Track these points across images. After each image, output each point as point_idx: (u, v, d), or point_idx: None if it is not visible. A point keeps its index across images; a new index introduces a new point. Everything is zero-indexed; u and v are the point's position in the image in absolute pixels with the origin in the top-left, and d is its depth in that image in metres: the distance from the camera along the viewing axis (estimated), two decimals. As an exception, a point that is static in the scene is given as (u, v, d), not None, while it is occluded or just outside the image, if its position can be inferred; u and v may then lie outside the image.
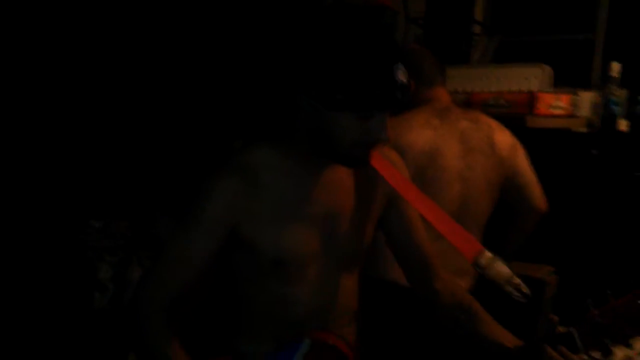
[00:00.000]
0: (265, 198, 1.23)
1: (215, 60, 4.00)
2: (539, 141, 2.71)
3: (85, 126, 3.55)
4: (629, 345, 1.06)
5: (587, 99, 2.85)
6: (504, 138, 2.09)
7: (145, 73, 3.90)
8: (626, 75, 2.71)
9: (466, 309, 1.37)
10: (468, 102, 2.90)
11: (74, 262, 2.99)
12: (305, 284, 1.29)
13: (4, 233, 3.11)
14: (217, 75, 4.25)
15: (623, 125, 2.62)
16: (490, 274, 1.26)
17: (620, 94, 2.65)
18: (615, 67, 2.64)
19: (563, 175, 2.67)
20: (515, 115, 2.65)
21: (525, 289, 1.26)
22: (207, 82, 3.03)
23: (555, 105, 2.71)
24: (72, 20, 3.57)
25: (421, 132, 2.00)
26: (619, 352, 1.09)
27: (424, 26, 3.89)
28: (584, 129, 2.74)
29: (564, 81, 3.06)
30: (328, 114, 1.16)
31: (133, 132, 3.77)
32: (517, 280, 1.26)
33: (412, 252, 1.42)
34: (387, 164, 1.34)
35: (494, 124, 2.12)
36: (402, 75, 1.13)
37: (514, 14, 3.76)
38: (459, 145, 2.02)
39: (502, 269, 1.26)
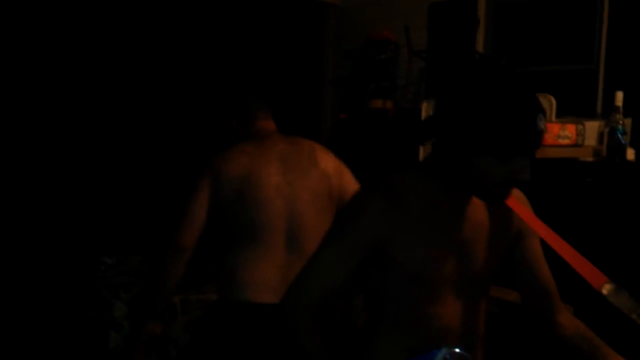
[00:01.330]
0: (408, 218, 1.34)
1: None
2: (546, 171, 2.76)
3: (97, 163, 3.58)
4: None
5: (592, 128, 2.89)
6: (327, 157, 2.31)
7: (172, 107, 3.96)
8: (630, 103, 2.76)
9: (589, 340, 1.48)
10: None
11: (89, 300, 3.00)
12: (440, 303, 1.39)
13: (20, 272, 3.12)
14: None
15: (630, 154, 2.66)
16: (616, 302, 1.33)
17: (625, 122, 2.69)
18: (619, 96, 2.69)
19: (569, 205, 2.70)
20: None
21: None
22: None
23: (562, 135, 2.76)
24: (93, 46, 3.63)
25: (235, 160, 2.21)
26: None
27: (426, 58, 3.95)
28: (590, 158, 2.78)
29: (566, 111, 3.11)
30: (476, 161, 1.28)
31: (144, 167, 3.81)
32: None
33: (537, 286, 1.53)
34: (515, 200, 1.44)
35: (317, 145, 2.34)
36: (541, 124, 1.27)
37: (515, 45, 3.83)
38: (276, 164, 2.22)
39: (626, 298, 1.34)
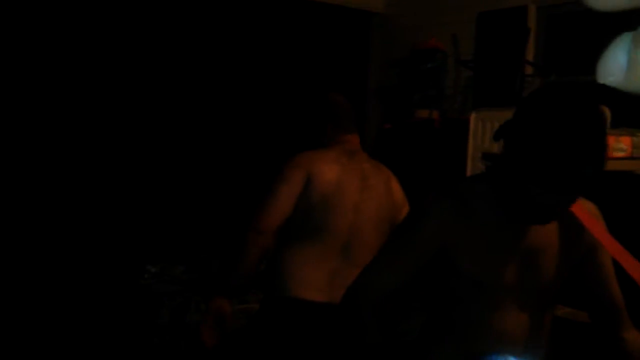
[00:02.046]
0: (473, 223, 1.37)
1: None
2: (601, 185, 2.67)
3: (146, 172, 3.61)
4: None
5: (649, 140, 2.80)
6: (398, 189, 2.50)
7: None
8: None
9: None
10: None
11: (134, 307, 3.02)
12: (501, 311, 1.41)
13: (66, 279, 3.16)
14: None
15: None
16: None
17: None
18: (678, 108, 2.59)
19: (627, 220, 2.61)
20: (577, 159, 2.61)
21: None
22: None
23: (617, 147, 2.68)
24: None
25: (331, 165, 2.36)
26: None
27: (474, 68, 3.88)
28: (647, 172, 2.69)
29: (621, 122, 3.02)
30: (523, 181, 1.29)
31: (192, 176, 3.83)
32: None
33: (606, 301, 1.54)
34: (588, 215, 1.46)
35: (392, 176, 2.52)
36: (589, 170, 1.25)
37: (567, 54, 3.74)
38: (358, 181, 2.38)
39: None
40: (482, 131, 3.39)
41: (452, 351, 1.45)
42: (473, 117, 3.41)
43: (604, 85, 3.44)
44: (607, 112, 2.89)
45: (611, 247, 1.45)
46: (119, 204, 3.55)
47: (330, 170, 2.34)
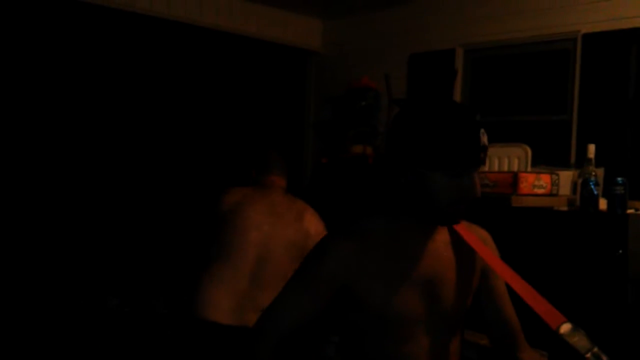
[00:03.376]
0: (374, 259, 1.39)
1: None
2: (522, 219, 2.83)
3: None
4: None
5: (566, 177, 2.98)
6: (315, 220, 2.60)
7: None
8: (602, 154, 2.85)
9: None
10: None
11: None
12: (409, 343, 1.42)
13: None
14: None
15: (603, 204, 2.74)
16: (572, 342, 1.36)
17: (598, 172, 2.78)
18: (591, 149, 2.77)
19: (547, 253, 2.76)
20: (500, 195, 2.76)
21: (605, 357, 1.36)
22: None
23: (537, 184, 2.83)
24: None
25: (233, 193, 2.57)
26: None
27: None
28: (565, 208, 2.86)
29: (541, 160, 3.20)
30: (428, 178, 1.35)
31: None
32: (597, 349, 1.36)
33: (501, 323, 1.57)
34: (478, 241, 1.49)
35: (310, 209, 2.63)
36: (484, 138, 1.34)
37: (492, 96, 3.94)
38: (265, 206, 2.53)
39: (582, 338, 1.37)
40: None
41: None
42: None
43: (525, 125, 3.64)
44: (528, 150, 3.08)
45: (502, 271, 1.47)
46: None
47: (232, 196, 2.55)
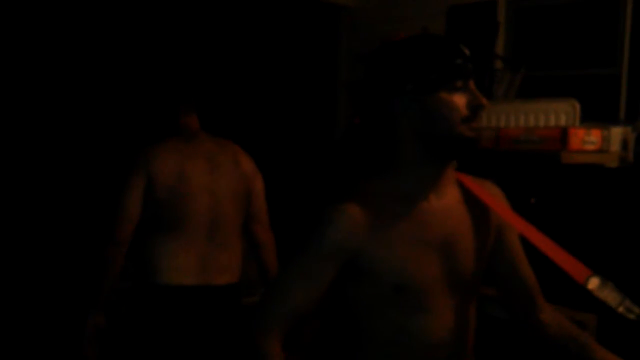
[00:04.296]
0: (383, 225, 1.27)
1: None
2: (571, 177, 2.70)
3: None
4: None
5: (617, 133, 2.83)
6: (248, 160, 2.57)
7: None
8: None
9: (575, 337, 1.42)
10: (496, 138, 2.88)
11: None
12: (426, 313, 1.31)
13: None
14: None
15: (657, 160, 2.60)
16: (602, 296, 1.29)
17: (652, 128, 2.63)
18: (646, 102, 2.63)
19: (597, 213, 2.64)
20: (548, 151, 2.63)
21: (637, 309, 1.29)
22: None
23: (588, 140, 2.69)
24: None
25: (167, 158, 2.41)
26: None
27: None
28: (615, 164, 2.72)
29: (589, 116, 3.05)
30: (427, 100, 1.27)
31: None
32: (628, 302, 1.30)
33: (517, 284, 1.47)
34: (490, 196, 1.40)
35: (238, 148, 2.58)
36: (467, 50, 1.30)
37: (536, 49, 3.76)
38: (204, 163, 2.45)
39: (612, 291, 1.30)
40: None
41: None
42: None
43: (572, 79, 3.48)
44: (577, 106, 2.92)
45: (521, 227, 1.37)
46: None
47: (168, 162, 2.40)
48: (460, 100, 1.26)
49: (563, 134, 2.62)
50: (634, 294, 2.41)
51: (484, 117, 3.15)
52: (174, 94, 2.54)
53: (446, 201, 1.35)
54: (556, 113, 2.97)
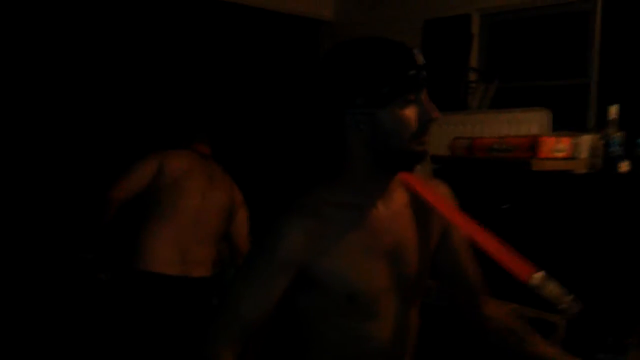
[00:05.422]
0: (332, 234, 1.26)
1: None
2: (541, 184, 2.78)
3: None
4: None
5: (586, 141, 2.91)
6: (239, 193, 2.98)
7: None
8: (623, 117, 2.78)
9: (516, 331, 1.46)
10: (470, 147, 2.97)
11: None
12: (375, 319, 1.31)
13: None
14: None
15: (624, 166, 2.68)
16: (544, 293, 1.29)
17: (620, 135, 2.71)
18: (614, 110, 2.71)
19: (567, 217, 2.72)
20: (520, 159, 2.71)
21: (579, 305, 1.29)
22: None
23: (557, 148, 2.77)
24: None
25: (180, 157, 2.85)
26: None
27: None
28: (584, 170, 2.80)
29: (561, 125, 3.14)
30: (379, 114, 1.23)
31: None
32: (570, 298, 1.29)
33: (461, 281, 1.49)
34: (438, 196, 1.40)
35: (234, 183, 2.99)
36: (420, 57, 1.25)
37: (509, 61, 3.87)
38: (207, 176, 2.86)
39: (556, 288, 1.30)
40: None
41: None
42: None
43: (544, 89, 3.57)
44: (548, 115, 3.02)
45: (466, 226, 1.36)
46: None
47: (181, 160, 2.83)
48: (411, 113, 1.23)
49: (533, 142, 2.71)
50: (599, 294, 2.49)
51: (459, 127, 3.24)
52: (189, 123, 3.05)
53: (393, 207, 1.34)
54: (529, 122, 3.07)
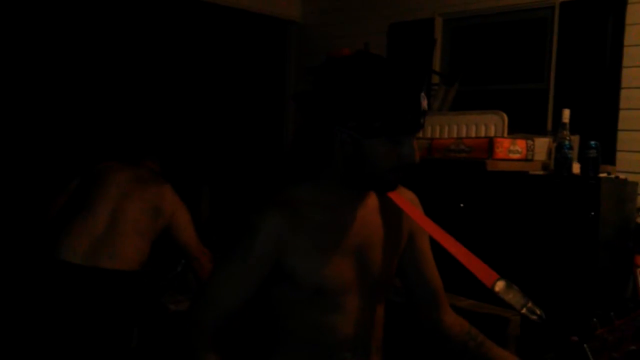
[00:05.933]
0: (305, 230, 1.33)
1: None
2: (497, 184, 2.87)
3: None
4: None
5: (542, 144, 3.01)
6: (174, 194, 2.83)
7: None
8: (577, 121, 2.88)
9: (474, 337, 1.53)
10: (429, 148, 3.04)
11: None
12: (343, 313, 1.39)
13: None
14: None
15: (576, 168, 2.77)
16: (507, 299, 1.36)
17: (573, 139, 2.81)
18: (566, 113, 2.81)
19: (521, 216, 2.80)
20: (476, 159, 2.79)
21: (539, 311, 1.35)
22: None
23: (513, 149, 2.86)
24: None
25: (108, 163, 2.88)
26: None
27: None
28: (539, 172, 2.90)
29: (518, 128, 3.23)
30: (364, 142, 1.29)
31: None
32: (531, 304, 1.36)
33: (422, 286, 1.56)
34: (407, 202, 1.47)
35: (170, 186, 2.85)
36: (424, 103, 1.30)
37: (470, 65, 3.96)
38: (130, 175, 2.80)
39: (517, 294, 1.36)
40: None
41: None
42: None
43: (502, 93, 3.65)
44: (505, 118, 3.11)
45: (433, 232, 1.43)
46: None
47: (104, 165, 2.87)
48: (394, 152, 1.29)
49: (489, 144, 2.79)
50: (556, 293, 2.58)
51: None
52: (140, 140, 3.06)
53: (364, 210, 1.42)
54: (486, 124, 3.15)
